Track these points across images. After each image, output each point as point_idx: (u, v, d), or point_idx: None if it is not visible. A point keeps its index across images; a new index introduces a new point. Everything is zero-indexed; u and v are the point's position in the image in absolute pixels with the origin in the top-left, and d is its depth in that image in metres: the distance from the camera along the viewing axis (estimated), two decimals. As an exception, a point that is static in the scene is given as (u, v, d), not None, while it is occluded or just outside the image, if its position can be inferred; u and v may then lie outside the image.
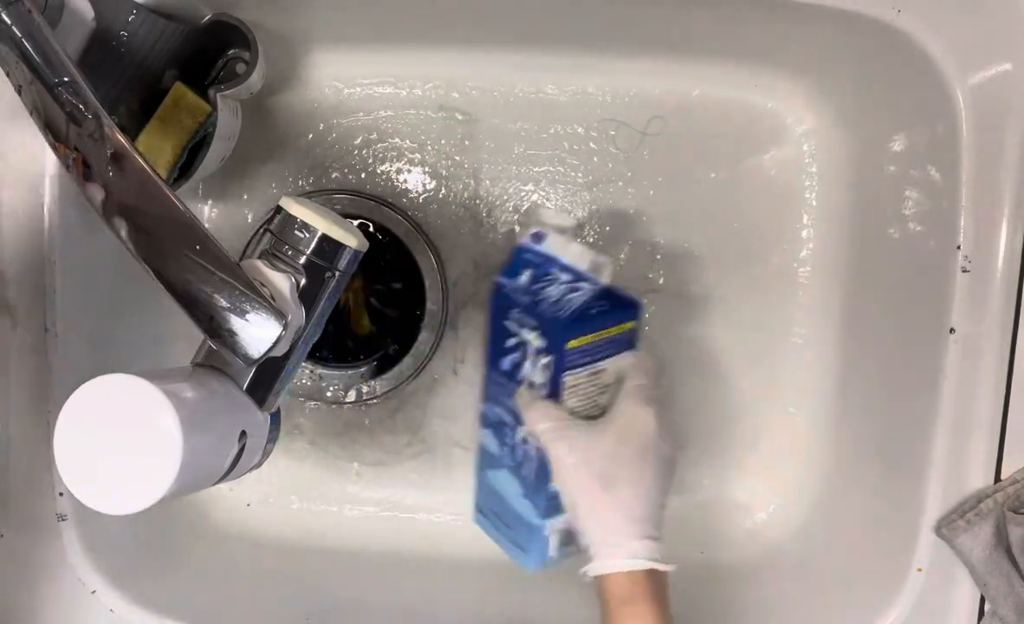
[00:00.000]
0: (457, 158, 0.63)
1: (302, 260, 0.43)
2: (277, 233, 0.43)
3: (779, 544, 0.64)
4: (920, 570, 0.54)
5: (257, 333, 0.38)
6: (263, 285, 0.41)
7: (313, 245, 0.43)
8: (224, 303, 0.38)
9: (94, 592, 0.54)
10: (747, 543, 0.65)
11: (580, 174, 0.64)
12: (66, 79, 0.38)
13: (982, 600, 0.53)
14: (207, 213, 0.64)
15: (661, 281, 0.64)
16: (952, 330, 0.53)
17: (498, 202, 0.64)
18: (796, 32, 0.58)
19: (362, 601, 0.62)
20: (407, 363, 0.64)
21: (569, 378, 0.50)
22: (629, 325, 0.52)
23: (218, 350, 0.39)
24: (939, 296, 0.53)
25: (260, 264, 0.43)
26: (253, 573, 0.64)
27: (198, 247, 0.38)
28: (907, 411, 0.56)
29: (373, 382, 0.64)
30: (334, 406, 0.65)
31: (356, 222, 0.63)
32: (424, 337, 0.64)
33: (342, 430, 0.66)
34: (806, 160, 0.64)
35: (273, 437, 0.46)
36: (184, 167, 0.54)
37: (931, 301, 0.54)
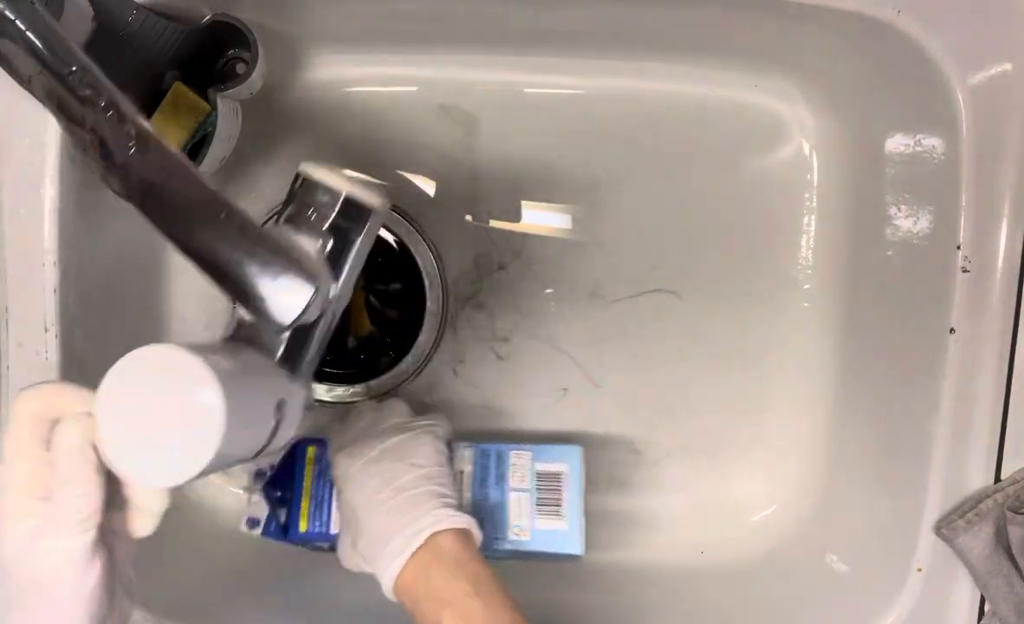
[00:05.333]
0: (457, 158, 0.63)
1: (326, 224, 0.42)
2: (300, 198, 0.43)
3: (779, 544, 0.64)
4: (920, 570, 0.54)
5: (288, 299, 0.38)
6: (291, 249, 0.41)
7: (337, 208, 0.42)
8: (253, 269, 0.37)
9: (94, 592, 0.54)
10: (747, 543, 0.65)
11: (579, 174, 0.64)
12: (74, 68, 0.38)
13: (982, 600, 0.53)
14: (207, 213, 0.64)
15: (661, 281, 0.64)
16: (952, 330, 0.53)
17: (498, 201, 0.64)
18: (796, 32, 0.58)
19: (362, 601, 0.62)
20: (407, 363, 0.64)
21: None
22: (311, 452, 0.59)
23: (249, 320, 0.39)
24: (939, 296, 0.53)
25: (286, 229, 0.42)
26: (254, 573, 0.64)
27: (223, 216, 0.37)
28: (907, 411, 0.56)
29: (373, 382, 0.64)
30: (334, 406, 0.65)
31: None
32: (424, 337, 0.64)
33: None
34: (806, 160, 0.64)
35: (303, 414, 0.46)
36: (184, 167, 0.54)
37: (931, 301, 0.54)
